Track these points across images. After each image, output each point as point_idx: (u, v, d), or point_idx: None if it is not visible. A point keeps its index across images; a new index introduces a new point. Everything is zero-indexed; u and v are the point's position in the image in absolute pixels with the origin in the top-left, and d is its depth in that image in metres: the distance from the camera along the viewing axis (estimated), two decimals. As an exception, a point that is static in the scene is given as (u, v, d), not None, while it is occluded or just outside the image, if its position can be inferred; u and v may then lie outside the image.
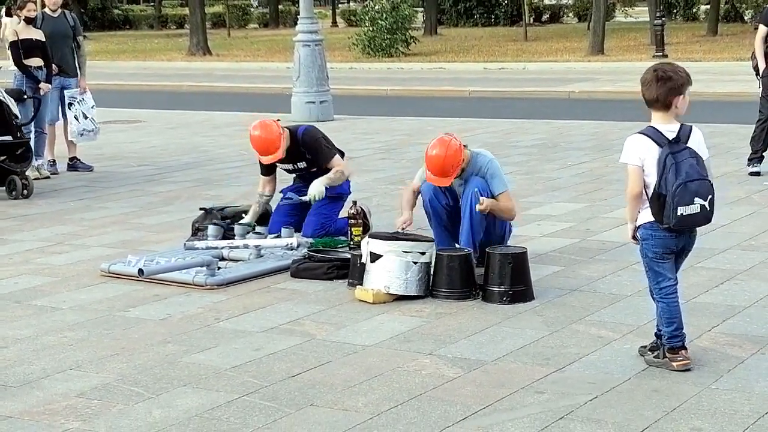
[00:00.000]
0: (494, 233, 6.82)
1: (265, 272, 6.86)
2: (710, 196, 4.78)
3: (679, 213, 4.75)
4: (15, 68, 11.16)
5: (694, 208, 4.76)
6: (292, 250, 7.20)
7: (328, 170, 7.80)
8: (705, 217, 4.80)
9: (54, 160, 11.57)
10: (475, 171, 6.80)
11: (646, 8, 38.00)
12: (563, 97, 20.70)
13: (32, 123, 10.87)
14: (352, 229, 7.36)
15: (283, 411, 4.52)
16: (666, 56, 26.84)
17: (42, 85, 11.02)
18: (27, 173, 10.16)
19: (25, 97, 10.84)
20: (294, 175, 8.12)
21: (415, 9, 36.89)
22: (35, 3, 11.53)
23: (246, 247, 7.31)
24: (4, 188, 10.00)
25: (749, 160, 10.37)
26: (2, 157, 9.98)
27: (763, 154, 10.35)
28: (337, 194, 7.93)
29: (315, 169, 7.85)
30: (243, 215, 7.88)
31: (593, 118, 15.92)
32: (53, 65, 11.25)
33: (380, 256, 6.20)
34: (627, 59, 28.39)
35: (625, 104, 16.94)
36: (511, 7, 49.82)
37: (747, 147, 10.54)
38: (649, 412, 4.42)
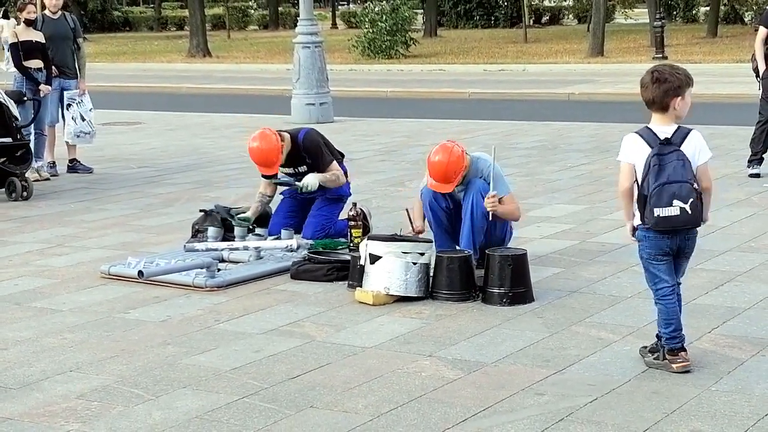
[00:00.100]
0: (494, 235, 6.82)
1: (265, 274, 6.87)
2: (691, 200, 4.74)
3: (655, 214, 4.77)
4: (15, 70, 11.17)
5: (672, 211, 4.75)
6: (291, 251, 7.20)
7: None
8: (687, 220, 4.77)
9: (54, 162, 11.57)
10: (476, 175, 6.80)
11: (646, 10, 38.01)
12: (563, 99, 20.71)
13: (32, 125, 10.88)
14: (352, 230, 7.36)
15: (283, 413, 4.52)
16: (666, 58, 26.87)
17: (42, 87, 11.02)
18: (27, 175, 10.16)
19: (25, 99, 10.84)
20: (294, 179, 8.11)
21: (414, 11, 36.91)
22: (35, 5, 11.54)
23: (246, 248, 7.31)
24: (3, 190, 10.00)
25: (749, 161, 10.38)
26: (2, 159, 9.99)
27: (763, 156, 10.35)
28: (337, 196, 7.93)
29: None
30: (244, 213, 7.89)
31: (593, 120, 15.92)
32: (53, 67, 11.26)
33: (379, 257, 6.20)
34: (627, 61, 28.40)
35: (625, 106, 16.95)
36: (511, 9, 49.87)
37: (747, 149, 10.54)
38: (648, 413, 4.42)
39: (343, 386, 4.82)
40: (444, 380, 4.88)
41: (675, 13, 49.71)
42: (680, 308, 5.03)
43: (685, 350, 4.92)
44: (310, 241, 7.46)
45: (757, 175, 10.17)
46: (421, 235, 6.85)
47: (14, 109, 10.30)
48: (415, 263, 6.19)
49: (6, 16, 15.07)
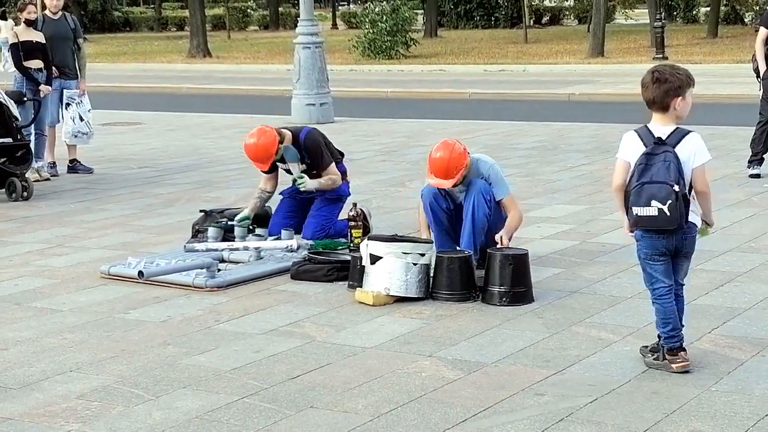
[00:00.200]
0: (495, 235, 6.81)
1: (265, 274, 6.87)
2: (670, 201, 4.71)
3: (634, 213, 4.81)
4: (14, 70, 11.17)
5: (650, 211, 4.76)
6: (292, 252, 7.20)
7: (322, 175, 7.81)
8: (666, 221, 4.75)
9: (54, 162, 11.57)
10: (477, 176, 6.80)
11: (646, 10, 38.03)
12: (563, 100, 20.71)
13: (32, 125, 10.88)
14: (352, 231, 7.36)
15: (283, 413, 4.52)
16: (666, 58, 26.88)
17: (42, 87, 11.03)
18: (27, 175, 10.17)
19: (25, 99, 10.85)
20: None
21: (415, 11, 36.93)
22: (35, 5, 11.54)
23: (246, 249, 7.31)
24: (4, 190, 10.01)
25: (749, 162, 10.37)
26: (2, 159, 9.99)
27: (764, 156, 10.35)
28: (337, 196, 7.93)
29: (315, 172, 7.85)
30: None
31: (593, 121, 15.92)
32: (53, 68, 11.26)
33: (380, 257, 6.20)
34: (627, 61, 28.41)
35: (625, 106, 16.94)
36: (512, 10, 49.86)
37: (747, 149, 10.54)
38: (648, 414, 4.42)
39: (343, 386, 4.82)
40: (444, 380, 4.88)
41: (675, 13, 49.71)
42: (683, 309, 5.03)
43: (684, 350, 4.92)
44: (310, 242, 7.47)
45: (758, 176, 10.17)
46: (419, 235, 6.85)
47: (14, 110, 10.31)
48: (415, 264, 6.19)
49: (4, 17, 15.07)
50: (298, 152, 7.77)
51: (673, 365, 4.87)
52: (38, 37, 11.12)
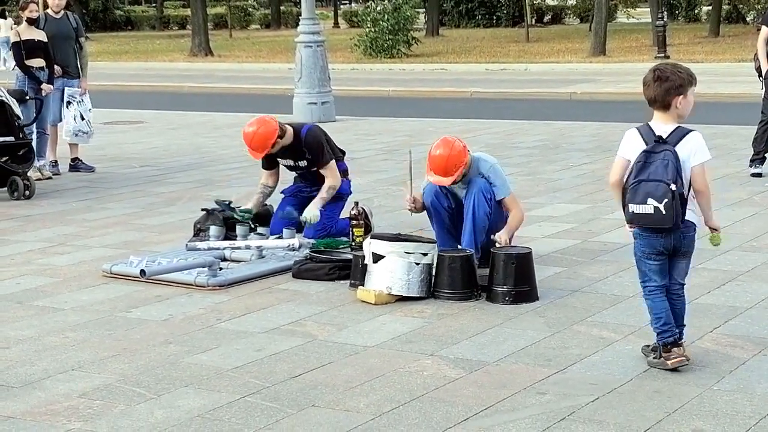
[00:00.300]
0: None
1: (266, 273, 6.87)
2: (666, 200, 4.70)
3: (630, 210, 4.82)
4: (15, 67, 11.18)
5: (646, 209, 4.76)
6: (293, 250, 7.20)
7: (322, 176, 7.80)
8: (662, 219, 4.74)
9: (56, 161, 11.58)
10: (477, 175, 6.80)
11: (648, 9, 38.02)
12: (565, 98, 20.70)
13: (34, 124, 10.89)
14: (354, 230, 7.37)
15: (284, 411, 4.52)
16: (668, 57, 26.85)
17: (44, 86, 11.03)
18: (29, 174, 10.17)
19: (27, 98, 10.85)
20: (295, 174, 8.13)
21: (416, 10, 36.91)
22: (37, 3, 11.55)
23: (248, 247, 7.31)
24: (6, 189, 10.01)
25: (751, 161, 10.37)
26: (4, 158, 10.00)
27: (765, 155, 10.34)
28: (338, 195, 7.94)
29: (315, 169, 7.86)
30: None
31: (595, 119, 15.92)
32: (57, 67, 11.27)
33: (382, 256, 6.20)
34: (629, 60, 28.40)
35: (627, 105, 16.94)
36: (513, 8, 49.86)
37: (749, 148, 10.54)
38: (650, 413, 4.42)
39: (344, 385, 4.82)
40: (446, 379, 4.88)
41: (677, 12, 49.70)
42: (684, 308, 5.03)
43: (678, 345, 4.89)
44: (312, 240, 7.47)
45: (759, 175, 10.17)
46: (422, 233, 6.84)
47: (17, 108, 10.31)
48: (417, 263, 6.19)
49: (3, 16, 15.08)
50: (299, 148, 7.77)
51: (668, 362, 4.86)
52: (40, 35, 11.13)
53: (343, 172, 8.02)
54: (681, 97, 4.81)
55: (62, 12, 11.58)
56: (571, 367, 5.01)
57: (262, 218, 7.90)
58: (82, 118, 11.63)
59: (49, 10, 11.61)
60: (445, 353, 5.25)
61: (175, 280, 6.65)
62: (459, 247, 6.77)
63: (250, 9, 62.46)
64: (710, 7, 41.47)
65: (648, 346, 5.09)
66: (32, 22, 11.17)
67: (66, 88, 11.51)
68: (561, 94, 21.10)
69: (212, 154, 12.92)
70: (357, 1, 71.58)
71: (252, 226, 7.75)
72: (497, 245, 6.50)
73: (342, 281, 6.61)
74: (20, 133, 10.21)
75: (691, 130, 4.86)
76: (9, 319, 6.05)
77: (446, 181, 6.70)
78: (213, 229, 7.65)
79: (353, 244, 7.29)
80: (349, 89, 21.74)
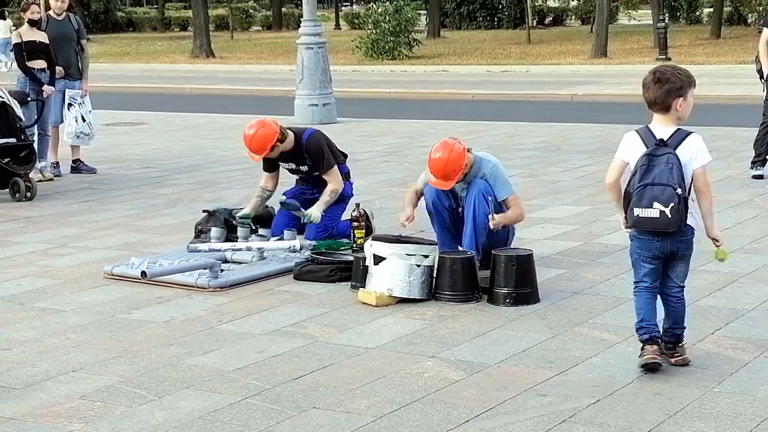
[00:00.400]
0: (497, 236, 6.81)
1: (268, 275, 6.87)
2: (672, 204, 4.70)
3: (635, 214, 4.80)
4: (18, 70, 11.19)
5: (651, 212, 4.75)
6: (294, 252, 7.20)
7: (324, 179, 7.79)
8: (666, 223, 4.74)
9: (57, 163, 11.58)
10: (478, 175, 6.79)
11: (650, 11, 38.01)
12: (566, 100, 20.70)
13: (36, 125, 10.89)
14: (355, 231, 7.36)
15: (285, 413, 4.52)
16: (669, 59, 26.87)
17: (45, 87, 11.04)
18: (30, 175, 10.18)
19: (29, 99, 10.86)
20: (296, 177, 8.13)
21: (418, 12, 36.94)
22: (38, 5, 11.56)
23: (249, 249, 7.31)
24: (7, 190, 10.02)
25: (752, 163, 10.37)
26: (6, 160, 10.00)
27: (766, 157, 10.34)
28: (340, 197, 7.92)
29: (317, 173, 7.85)
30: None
31: (596, 121, 15.92)
32: (59, 68, 11.27)
33: (383, 258, 6.20)
34: (630, 62, 28.39)
35: (628, 107, 16.93)
36: (514, 10, 49.86)
37: (750, 150, 10.54)
38: (651, 415, 4.42)
39: (345, 387, 4.82)
40: (447, 381, 4.88)
41: (678, 14, 49.67)
42: (684, 310, 5.03)
43: (653, 344, 4.89)
44: (313, 242, 7.47)
45: (761, 177, 10.17)
46: (422, 235, 6.84)
47: (18, 110, 10.32)
48: (419, 265, 6.19)
49: (3, 17, 15.09)
50: (300, 153, 7.77)
51: (641, 358, 4.89)
52: (41, 37, 11.13)
53: (345, 174, 8.02)
54: (681, 99, 4.81)
55: (64, 14, 11.59)
56: (573, 369, 5.01)
57: (263, 220, 7.90)
58: (84, 120, 11.63)
59: (50, 12, 11.62)
60: (446, 355, 5.25)
61: (177, 282, 6.65)
62: (460, 248, 6.77)
63: (252, 11, 62.47)
64: (711, 9, 41.48)
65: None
66: (33, 23, 11.17)
67: (67, 90, 11.52)
68: (562, 96, 21.10)
69: (213, 156, 12.92)
70: (358, 3, 71.61)
71: (253, 227, 7.75)
72: (491, 225, 6.53)
73: (343, 283, 6.61)
74: (22, 134, 10.22)
75: (691, 132, 4.85)
76: (10, 320, 6.05)
77: (447, 185, 6.70)
78: (214, 231, 7.65)
79: (354, 245, 7.29)
80: (351, 91, 21.75)
